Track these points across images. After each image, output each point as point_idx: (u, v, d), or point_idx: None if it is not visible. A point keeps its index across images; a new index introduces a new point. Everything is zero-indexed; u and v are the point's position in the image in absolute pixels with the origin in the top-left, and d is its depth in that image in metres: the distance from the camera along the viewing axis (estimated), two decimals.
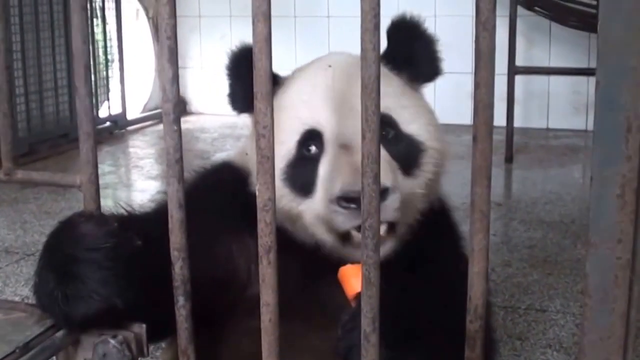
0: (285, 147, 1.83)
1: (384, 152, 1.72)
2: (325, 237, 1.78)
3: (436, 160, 1.84)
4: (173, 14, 1.29)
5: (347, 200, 1.66)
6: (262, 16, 1.20)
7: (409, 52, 1.91)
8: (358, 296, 1.53)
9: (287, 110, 1.85)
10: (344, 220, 1.70)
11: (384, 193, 1.62)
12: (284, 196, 1.81)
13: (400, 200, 1.69)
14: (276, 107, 1.90)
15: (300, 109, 1.84)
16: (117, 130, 8.43)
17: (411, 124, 1.83)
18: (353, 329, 1.45)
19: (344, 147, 1.73)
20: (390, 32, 1.92)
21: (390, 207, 1.66)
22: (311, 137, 1.81)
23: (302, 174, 1.80)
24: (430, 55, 1.93)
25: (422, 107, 1.91)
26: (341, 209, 1.68)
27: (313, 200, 1.77)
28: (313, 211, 1.77)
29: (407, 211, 1.77)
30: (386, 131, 1.78)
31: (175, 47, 1.31)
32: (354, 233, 1.72)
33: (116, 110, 8.47)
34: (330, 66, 1.87)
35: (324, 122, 1.79)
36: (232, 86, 2.01)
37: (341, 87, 1.81)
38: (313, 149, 1.80)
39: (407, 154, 1.80)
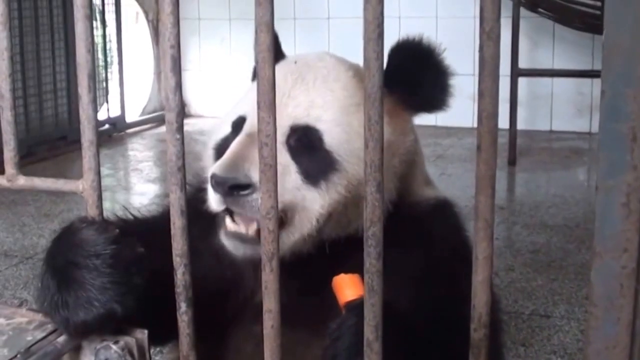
0: (225, 126, 1.90)
1: (284, 154, 1.74)
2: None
3: (351, 186, 1.76)
4: (176, 23, 1.29)
5: (215, 182, 1.67)
6: (265, 26, 1.20)
7: (415, 78, 1.83)
8: (347, 305, 1.54)
9: (243, 96, 1.93)
10: (212, 200, 1.73)
11: (248, 187, 1.65)
12: (210, 165, 1.86)
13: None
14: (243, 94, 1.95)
15: (245, 96, 1.91)
16: (115, 133, 8.44)
17: (338, 143, 1.77)
18: (339, 337, 1.46)
19: (250, 135, 1.73)
20: (398, 51, 1.84)
21: (255, 205, 1.66)
22: (240, 121, 1.84)
23: (223, 147, 1.82)
24: (440, 88, 1.85)
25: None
26: (212, 190, 1.71)
27: None
28: None
29: (301, 220, 1.75)
30: (305, 139, 1.76)
31: (179, 56, 1.31)
32: (227, 221, 1.74)
33: (115, 112, 8.49)
34: (296, 62, 1.89)
35: (250, 110, 1.80)
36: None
37: (290, 82, 1.81)
38: (239, 131, 1.82)
39: (316, 166, 1.75)
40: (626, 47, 1.03)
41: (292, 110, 1.77)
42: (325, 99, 1.79)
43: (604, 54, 1.05)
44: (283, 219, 1.71)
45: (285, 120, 1.76)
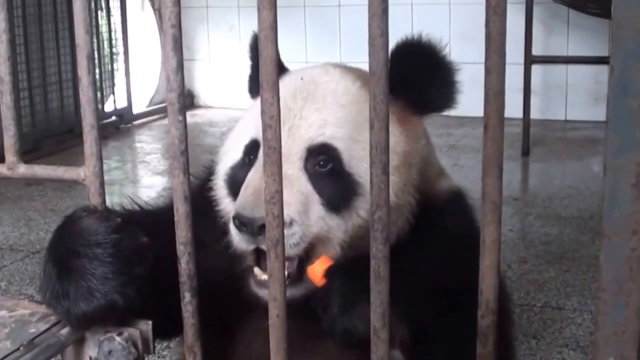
0: (235, 151, 1.85)
1: (305, 183, 1.71)
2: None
3: None
4: (177, 2, 1.27)
5: (240, 222, 1.63)
6: (268, 3, 1.18)
7: (420, 80, 1.80)
8: (325, 273, 1.59)
9: (251, 115, 1.85)
10: (238, 240, 1.68)
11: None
12: (223, 197, 1.84)
13: (302, 235, 1.66)
14: (249, 111, 1.89)
15: (256, 117, 1.80)
16: (123, 124, 8.39)
17: (357, 162, 1.73)
18: (328, 304, 1.50)
19: None
20: (399, 55, 1.77)
21: (287, 242, 1.58)
22: (253, 146, 1.79)
23: (236, 178, 1.79)
24: (446, 87, 1.81)
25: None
26: (235, 229, 1.66)
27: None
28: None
29: (321, 248, 1.73)
30: (323, 162, 1.73)
31: (180, 35, 1.29)
32: (256, 270, 1.71)
33: (122, 104, 8.44)
34: (302, 78, 1.83)
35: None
36: (253, 71, 2.05)
37: (300, 102, 1.77)
38: (252, 157, 1.78)
39: (338, 193, 1.72)
40: (636, 22, 1.01)
41: (305, 132, 1.74)
42: (337, 116, 1.76)
43: (614, 30, 1.03)
44: (308, 250, 1.70)
45: (300, 143, 1.73)
